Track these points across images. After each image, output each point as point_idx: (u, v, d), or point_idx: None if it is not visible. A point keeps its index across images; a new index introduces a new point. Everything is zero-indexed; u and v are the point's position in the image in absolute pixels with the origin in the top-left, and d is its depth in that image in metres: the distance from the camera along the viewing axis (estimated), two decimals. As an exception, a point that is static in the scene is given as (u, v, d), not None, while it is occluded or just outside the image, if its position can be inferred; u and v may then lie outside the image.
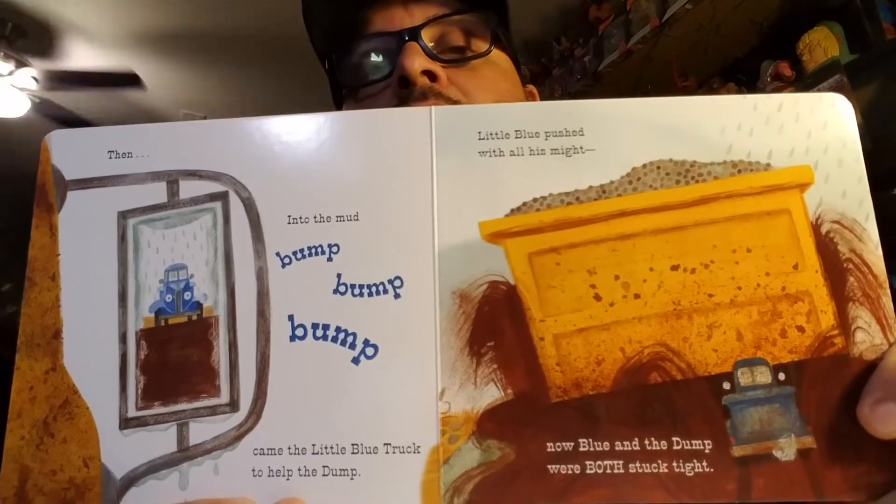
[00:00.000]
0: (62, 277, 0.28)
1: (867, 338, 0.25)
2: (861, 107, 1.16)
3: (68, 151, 0.29)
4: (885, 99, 1.19)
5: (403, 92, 0.42)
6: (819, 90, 1.22)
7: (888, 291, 0.25)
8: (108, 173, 0.29)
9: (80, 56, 2.33)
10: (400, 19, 0.45)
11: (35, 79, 2.17)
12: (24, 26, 2.14)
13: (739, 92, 1.54)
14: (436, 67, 0.43)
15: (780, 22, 1.47)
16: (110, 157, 0.29)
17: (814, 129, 0.27)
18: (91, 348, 0.27)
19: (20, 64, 2.19)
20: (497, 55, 0.47)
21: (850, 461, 0.23)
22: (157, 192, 0.28)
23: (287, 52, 2.33)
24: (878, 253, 0.26)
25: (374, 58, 0.45)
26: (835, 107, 0.27)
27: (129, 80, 2.27)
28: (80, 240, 0.28)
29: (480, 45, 0.46)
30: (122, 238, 0.28)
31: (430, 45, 0.44)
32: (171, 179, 0.28)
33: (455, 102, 0.42)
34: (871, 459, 0.23)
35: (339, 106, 0.51)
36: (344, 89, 0.49)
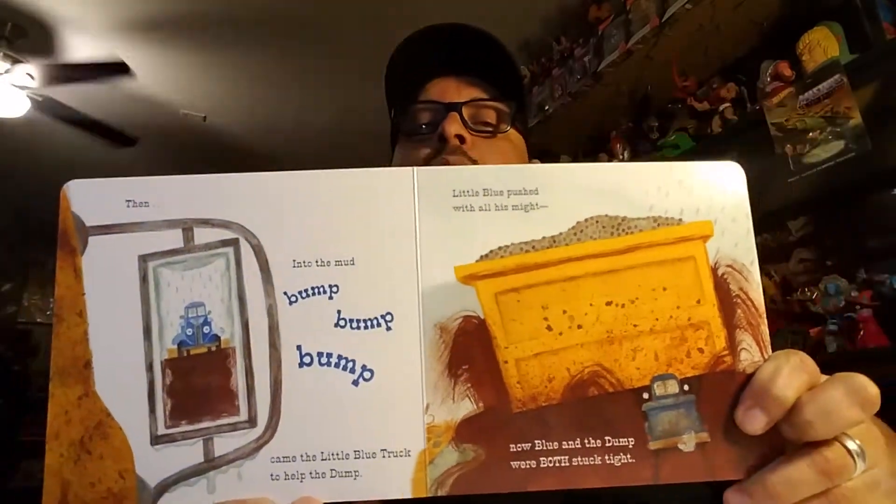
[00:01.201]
0: (89, 314, 0.31)
1: (749, 356, 0.33)
2: (861, 107, 1.17)
3: (87, 200, 0.32)
4: (885, 99, 1.19)
5: (439, 145, 0.59)
6: (819, 90, 1.25)
7: (765, 320, 0.33)
8: (126, 220, 0.32)
9: (73, 49, 2.29)
10: (450, 94, 0.63)
11: (30, 75, 2.10)
12: (21, 24, 2.10)
13: (739, 91, 1.57)
14: (466, 134, 0.60)
15: (780, 22, 1.48)
16: (128, 206, 0.32)
17: (714, 191, 0.34)
18: (120, 377, 0.31)
19: (15, 61, 2.11)
20: (513, 134, 0.65)
21: (733, 450, 0.31)
22: (173, 238, 0.32)
23: (267, 33, 2.30)
24: (759, 290, 0.33)
25: (427, 116, 0.64)
26: (730, 174, 0.35)
27: (118, 68, 2.23)
28: (104, 280, 0.32)
29: (503, 126, 0.64)
30: (144, 279, 0.32)
31: (467, 117, 0.61)
32: (187, 227, 0.32)
33: (474, 161, 0.58)
34: (747, 448, 0.31)
35: (393, 142, 0.68)
36: (399, 132, 0.66)
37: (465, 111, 0.61)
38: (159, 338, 0.31)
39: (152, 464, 0.30)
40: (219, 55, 2.40)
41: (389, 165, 0.64)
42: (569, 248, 0.33)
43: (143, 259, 0.32)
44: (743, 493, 0.30)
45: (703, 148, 1.65)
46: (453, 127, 0.59)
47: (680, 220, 0.34)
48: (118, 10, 2.09)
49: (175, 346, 0.31)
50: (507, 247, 0.33)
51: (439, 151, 0.59)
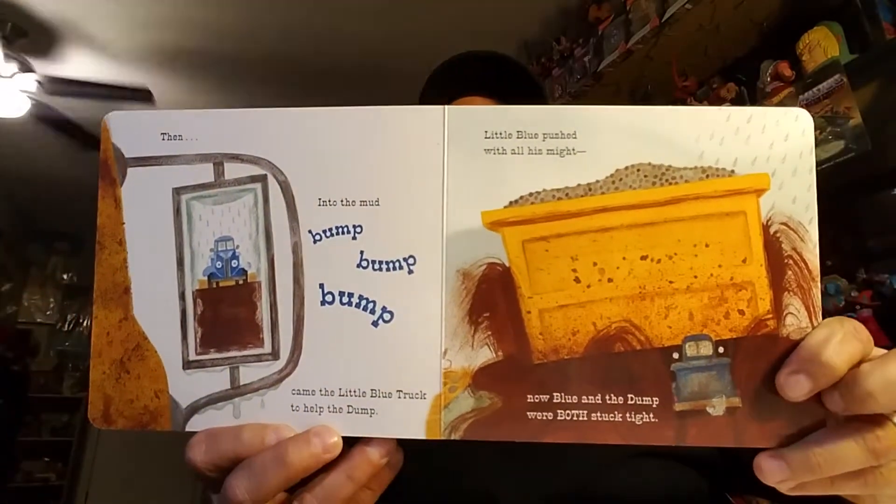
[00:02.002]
0: (128, 243, 0.33)
1: (795, 321, 0.30)
2: (861, 107, 1.17)
3: (126, 131, 0.33)
4: (885, 99, 1.19)
5: None
6: (819, 90, 1.22)
7: (818, 284, 0.30)
8: (161, 153, 0.33)
9: (86, 63, 2.35)
10: None
11: (39, 83, 2.17)
12: (27, 27, 2.15)
13: (739, 91, 1.53)
14: None
15: (780, 22, 1.47)
16: (163, 139, 0.33)
17: (776, 140, 0.31)
18: (156, 303, 0.32)
19: (24, 67, 2.18)
20: None
21: (767, 418, 0.30)
22: (205, 172, 0.33)
23: (284, 78, 2.39)
24: (816, 251, 0.30)
25: None
26: (797, 120, 0.31)
27: (142, 95, 2.25)
28: (141, 211, 0.33)
29: None
30: (177, 212, 0.33)
31: None
32: (217, 161, 0.33)
33: None
34: (784, 417, 0.29)
35: None
36: None
37: None
38: (191, 268, 0.32)
39: (184, 386, 0.32)
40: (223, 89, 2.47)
41: None
42: (604, 198, 0.31)
43: (177, 192, 0.33)
44: (780, 460, 0.28)
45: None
46: None
47: (732, 171, 0.31)
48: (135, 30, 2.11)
49: (205, 278, 0.32)
50: (538, 193, 0.31)
51: None
